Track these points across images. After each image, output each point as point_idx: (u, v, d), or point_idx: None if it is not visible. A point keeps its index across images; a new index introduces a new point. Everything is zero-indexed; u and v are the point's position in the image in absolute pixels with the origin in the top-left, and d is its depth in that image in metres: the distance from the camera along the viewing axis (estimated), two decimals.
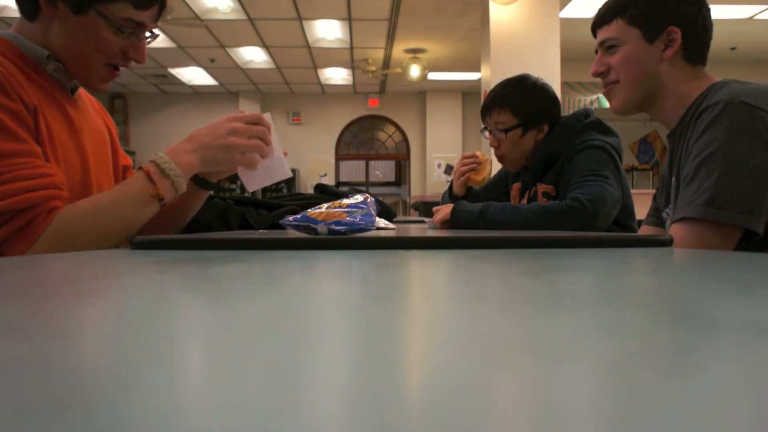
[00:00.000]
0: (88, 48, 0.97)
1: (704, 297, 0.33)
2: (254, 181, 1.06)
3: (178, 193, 0.98)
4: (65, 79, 1.02)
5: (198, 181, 1.10)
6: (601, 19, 1.27)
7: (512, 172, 1.85)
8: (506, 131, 1.70)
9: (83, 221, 0.87)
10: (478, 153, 1.81)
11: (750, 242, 1.05)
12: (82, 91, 1.11)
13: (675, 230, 1.09)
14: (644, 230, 1.40)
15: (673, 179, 1.21)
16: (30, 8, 0.97)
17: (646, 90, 1.22)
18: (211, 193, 1.20)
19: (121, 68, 1.03)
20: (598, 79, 1.30)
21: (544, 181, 1.68)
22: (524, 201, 1.75)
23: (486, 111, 1.75)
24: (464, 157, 1.83)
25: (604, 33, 1.25)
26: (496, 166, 1.95)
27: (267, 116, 1.06)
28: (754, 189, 1.02)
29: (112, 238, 0.90)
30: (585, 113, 1.70)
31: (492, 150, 1.78)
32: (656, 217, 1.36)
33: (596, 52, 1.29)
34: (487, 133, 1.78)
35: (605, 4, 1.27)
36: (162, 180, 0.94)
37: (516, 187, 1.84)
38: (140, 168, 0.95)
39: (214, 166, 1.04)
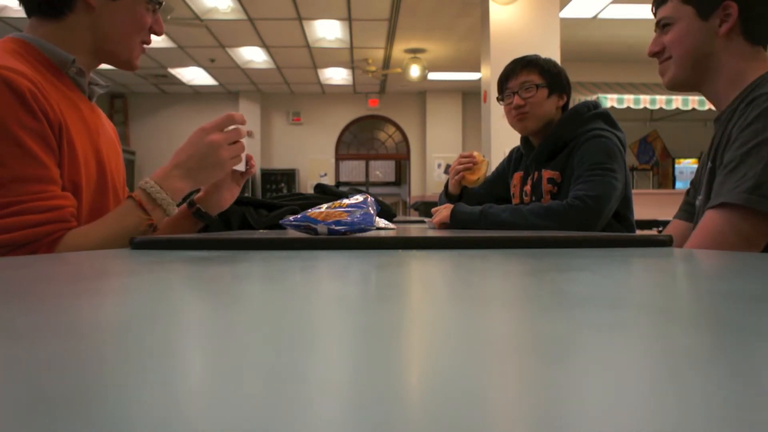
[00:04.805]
0: (131, 29, 1.04)
1: (703, 297, 0.33)
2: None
3: (168, 216, 1.00)
4: (84, 83, 1.04)
5: (196, 212, 1.13)
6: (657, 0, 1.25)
7: (523, 134, 1.80)
8: (537, 86, 1.70)
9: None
10: (475, 153, 1.82)
11: None
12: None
13: (710, 216, 1.05)
14: (673, 225, 1.36)
15: (709, 162, 1.17)
16: (62, 3, 0.99)
17: (699, 66, 1.19)
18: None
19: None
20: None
21: (550, 167, 1.68)
22: (527, 188, 1.75)
23: (510, 75, 1.76)
24: (461, 156, 1.83)
25: (660, 13, 1.23)
26: (493, 167, 1.95)
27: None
28: None
29: None
30: (594, 104, 1.72)
31: (488, 152, 1.78)
32: (686, 211, 1.33)
33: (655, 32, 1.26)
34: (504, 100, 1.78)
35: None
36: (154, 209, 0.95)
37: (517, 176, 1.83)
38: (130, 196, 0.95)
39: (206, 184, 1.09)
